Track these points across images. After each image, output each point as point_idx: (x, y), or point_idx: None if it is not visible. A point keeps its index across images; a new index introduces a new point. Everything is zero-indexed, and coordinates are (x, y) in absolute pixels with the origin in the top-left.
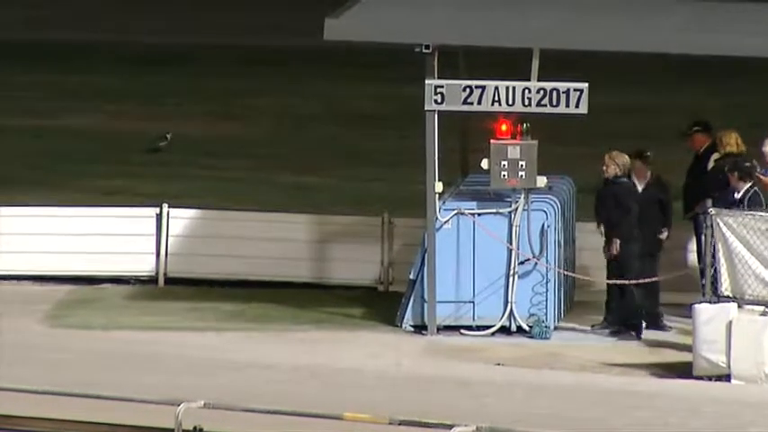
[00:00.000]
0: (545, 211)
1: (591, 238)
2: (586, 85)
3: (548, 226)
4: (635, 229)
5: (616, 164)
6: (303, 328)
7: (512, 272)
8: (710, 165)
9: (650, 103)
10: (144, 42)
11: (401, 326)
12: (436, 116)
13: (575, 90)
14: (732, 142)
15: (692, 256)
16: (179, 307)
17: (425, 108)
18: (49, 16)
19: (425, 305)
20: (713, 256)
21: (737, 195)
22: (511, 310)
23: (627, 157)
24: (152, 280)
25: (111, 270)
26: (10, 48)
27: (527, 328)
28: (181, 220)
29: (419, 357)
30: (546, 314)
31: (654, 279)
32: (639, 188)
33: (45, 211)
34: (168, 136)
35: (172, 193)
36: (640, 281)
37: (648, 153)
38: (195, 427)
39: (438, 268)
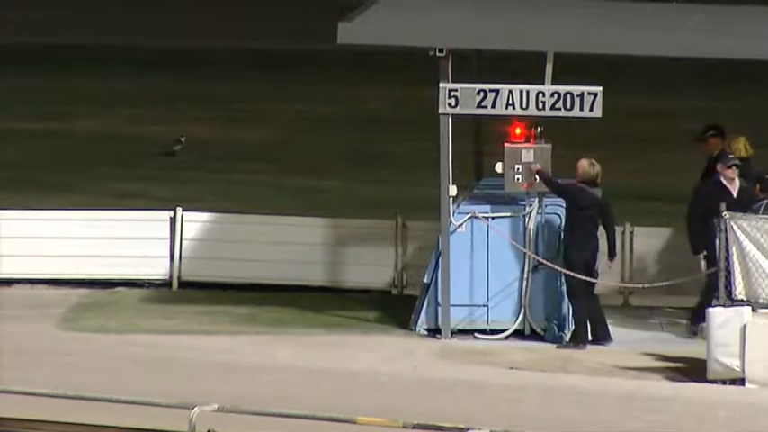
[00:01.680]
0: (559, 215)
1: (602, 241)
2: (600, 88)
3: (561, 229)
4: (572, 235)
5: (577, 169)
6: (317, 331)
7: (525, 275)
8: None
9: (664, 107)
10: (156, 46)
11: (415, 329)
12: (450, 119)
13: (589, 93)
14: (740, 147)
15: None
16: (193, 310)
17: (439, 111)
18: (62, 20)
19: (439, 308)
20: (727, 260)
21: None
22: (525, 313)
23: (595, 167)
24: (166, 283)
25: (125, 273)
26: (23, 51)
27: (541, 332)
28: (195, 223)
29: (433, 361)
30: (560, 318)
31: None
32: (734, 193)
33: (59, 214)
34: (182, 140)
35: (185, 197)
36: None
37: (730, 156)
38: (209, 431)
39: (452, 272)
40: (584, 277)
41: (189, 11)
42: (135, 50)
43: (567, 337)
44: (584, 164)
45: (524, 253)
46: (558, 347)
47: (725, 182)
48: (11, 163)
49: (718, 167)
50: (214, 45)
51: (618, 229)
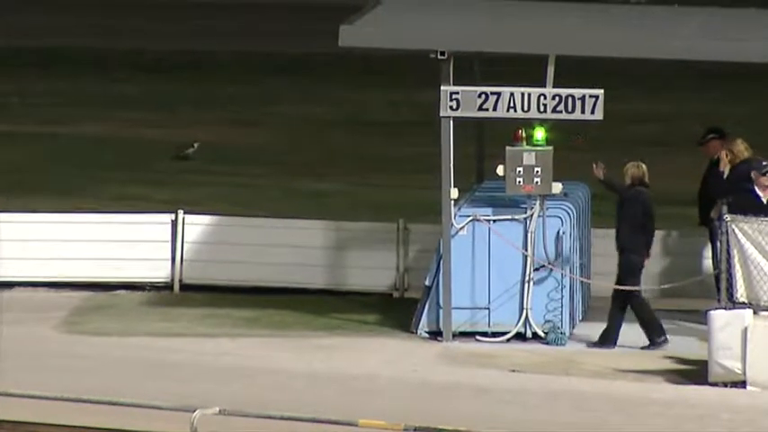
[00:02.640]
0: (560, 218)
1: (607, 244)
2: (602, 91)
3: (563, 232)
4: (633, 237)
5: (626, 174)
6: (318, 334)
7: (527, 278)
8: (725, 171)
9: (666, 110)
10: (161, 50)
11: (416, 332)
12: (451, 122)
13: (590, 96)
14: (742, 149)
15: (707, 263)
16: (194, 313)
17: (440, 114)
18: (67, 24)
19: (441, 311)
20: (728, 263)
21: None
22: (526, 316)
23: (641, 167)
24: (167, 286)
25: (126, 276)
26: (28, 54)
27: (542, 335)
28: (196, 226)
29: (434, 364)
30: (561, 320)
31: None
32: (764, 199)
33: (61, 217)
34: (195, 144)
35: (187, 200)
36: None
37: (764, 163)
38: None
39: (453, 274)
40: (609, 285)
41: (195, 15)
42: (139, 54)
43: (567, 338)
44: (630, 167)
45: (525, 255)
46: (588, 346)
47: (757, 189)
48: (15, 165)
49: (753, 175)
50: (217, 48)
51: None
